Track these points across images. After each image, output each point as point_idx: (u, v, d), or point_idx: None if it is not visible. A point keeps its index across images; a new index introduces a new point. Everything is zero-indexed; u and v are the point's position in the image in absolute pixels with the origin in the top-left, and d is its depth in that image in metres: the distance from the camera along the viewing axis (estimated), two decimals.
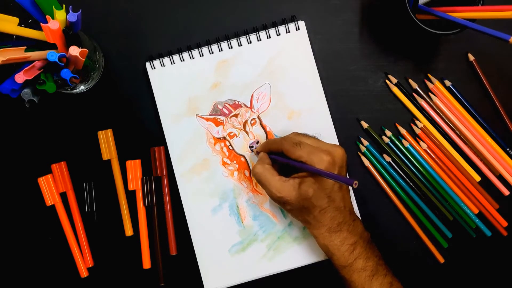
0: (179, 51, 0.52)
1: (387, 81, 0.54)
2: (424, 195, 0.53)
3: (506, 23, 0.43)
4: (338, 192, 0.44)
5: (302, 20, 0.52)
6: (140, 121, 0.53)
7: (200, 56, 0.52)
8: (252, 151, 0.53)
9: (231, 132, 0.53)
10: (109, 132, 0.52)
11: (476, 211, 0.53)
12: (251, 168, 0.53)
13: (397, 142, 0.53)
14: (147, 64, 0.52)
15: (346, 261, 0.44)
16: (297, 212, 0.45)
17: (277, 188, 0.44)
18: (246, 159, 0.53)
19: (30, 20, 0.44)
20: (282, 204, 0.46)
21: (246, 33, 0.52)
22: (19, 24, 0.41)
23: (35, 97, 0.42)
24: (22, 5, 0.40)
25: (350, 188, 0.49)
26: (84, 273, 0.53)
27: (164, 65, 0.52)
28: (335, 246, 0.44)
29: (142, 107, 0.53)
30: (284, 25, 0.52)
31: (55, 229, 0.53)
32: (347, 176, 0.50)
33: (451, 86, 0.53)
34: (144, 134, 0.53)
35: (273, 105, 0.53)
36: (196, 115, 0.53)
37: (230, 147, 0.53)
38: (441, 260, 0.53)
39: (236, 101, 0.53)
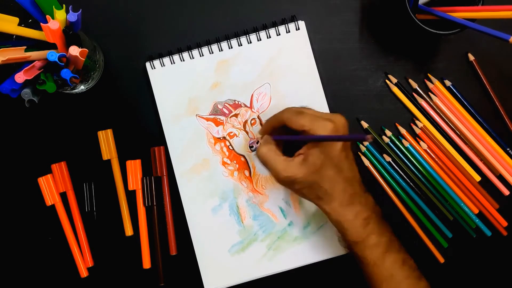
0: (179, 51, 0.52)
1: (387, 81, 0.54)
2: (424, 195, 0.53)
3: (506, 23, 0.43)
4: (345, 161, 0.42)
5: (302, 20, 0.52)
6: (140, 121, 0.53)
7: (200, 56, 0.52)
8: (252, 150, 0.53)
9: (231, 132, 0.53)
10: (109, 132, 0.52)
11: (476, 211, 0.53)
12: (250, 167, 0.53)
13: (397, 142, 0.53)
14: (147, 64, 0.52)
15: (359, 236, 0.43)
16: (307, 189, 0.43)
17: (284, 167, 0.43)
18: (246, 159, 0.53)
19: (30, 20, 0.44)
20: (290, 184, 0.44)
21: (246, 33, 0.52)
22: (19, 24, 0.41)
23: (35, 97, 0.42)
24: (22, 5, 0.40)
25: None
26: (84, 273, 0.53)
27: (164, 65, 0.52)
28: (348, 221, 0.43)
29: (142, 107, 0.53)
30: (284, 25, 0.52)
31: (55, 229, 0.53)
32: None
33: (451, 86, 0.53)
34: (144, 134, 0.53)
35: (273, 105, 0.53)
36: (196, 115, 0.53)
37: (230, 147, 0.53)
38: (441, 260, 0.53)
39: (236, 101, 0.53)
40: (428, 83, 0.54)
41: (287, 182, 0.44)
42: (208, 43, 0.53)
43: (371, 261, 0.43)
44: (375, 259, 0.43)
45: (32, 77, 0.41)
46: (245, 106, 0.53)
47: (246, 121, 0.53)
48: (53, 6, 0.40)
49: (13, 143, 0.53)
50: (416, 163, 0.53)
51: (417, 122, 0.53)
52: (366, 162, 0.53)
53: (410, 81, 0.53)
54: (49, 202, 0.52)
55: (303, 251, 0.52)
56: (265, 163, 0.45)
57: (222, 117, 0.53)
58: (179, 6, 0.53)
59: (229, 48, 0.52)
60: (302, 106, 0.48)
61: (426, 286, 0.44)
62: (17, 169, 0.53)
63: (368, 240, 0.43)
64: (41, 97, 0.43)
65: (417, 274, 0.44)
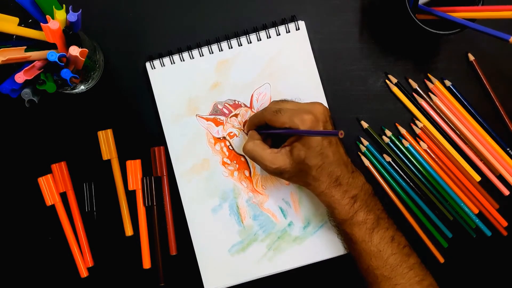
0: (179, 51, 0.52)
1: (387, 81, 0.54)
2: (424, 195, 0.53)
3: (506, 23, 0.43)
4: (328, 148, 0.44)
5: (302, 20, 0.52)
6: (140, 121, 0.53)
7: (200, 56, 0.52)
8: None
9: (231, 132, 0.53)
10: (109, 132, 0.52)
11: (476, 211, 0.53)
12: (250, 167, 0.53)
13: (397, 142, 0.53)
14: (147, 64, 0.52)
15: (346, 214, 0.45)
16: (296, 178, 0.46)
17: (270, 160, 0.45)
18: (246, 159, 0.53)
19: (30, 20, 0.44)
20: (279, 174, 0.46)
21: (246, 33, 0.52)
22: (19, 24, 0.41)
23: (35, 97, 0.42)
24: (22, 5, 0.40)
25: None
26: (84, 273, 0.53)
27: (164, 65, 0.52)
28: (336, 200, 0.45)
29: (142, 107, 0.53)
30: (284, 25, 0.52)
31: (55, 229, 0.53)
32: (335, 129, 0.49)
33: (451, 86, 0.53)
34: (144, 134, 0.53)
35: None
36: (196, 115, 0.53)
37: (230, 147, 0.53)
38: (441, 260, 0.53)
39: (236, 101, 0.53)
40: (428, 83, 0.54)
41: (276, 173, 0.46)
42: (208, 43, 0.53)
43: (359, 238, 0.45)
44: (363, 235, 0.44)
45: (32, 77, 0.41)
46: (245, 106, 0.53)
47: (246, 121, 0.53)
48: (53, 6, 0.40)
49: (13, 143, 0.53)
50: (416, 163, 0.53)
51: (417, 122, 0.53)
52: (366, 162, 0.53)
53: (410, 81, 0.53)
54: (49, 202, 0.52)
55: (303, 251, 0.52)
56: (252, 158, 0.47)
57: (222, 117, 0.53)
58: (179, 6, 0.53)
59: (229, 48, 0.52)
60: (282, 99, 0.49)
61: (416, 263, 0.45)
62: (17, 169, 0.53)
63: (355, 217, 0.44)
64: (41, 97, 0.43)
65: (406, 250, 0.45)
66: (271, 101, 0.49)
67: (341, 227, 0.46)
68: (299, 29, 0.52)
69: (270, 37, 0.52)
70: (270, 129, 0.47)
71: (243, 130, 0.53)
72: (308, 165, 0.44)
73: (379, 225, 0.45)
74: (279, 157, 0.45)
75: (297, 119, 0.43)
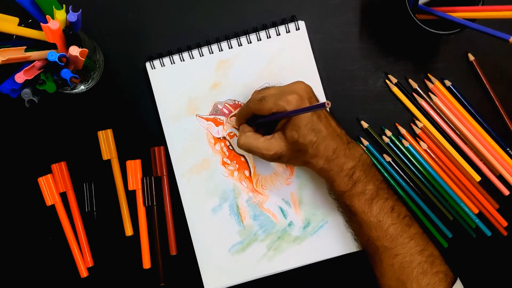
0: (179, 51, 0.52)
1: (387, 81, 0.54)
2: (424, 195, 0.53)
3: (506, 23, 0.43)
4: (319, 122, 0.44)
5: (302, 20, 0.52)
6: (140, 121, 0.53)
7: (200, 56, 0.52)
8: None
9: (231, 132, 0.53)
10: (109, 132, 0.52)
11: (476, 211, 0.53)
12: (250, 167, 0.53)
13: (397, 142, 0.53)
14: (147, 64, 0.52)
15: (345, 186, 0.45)
16: (295, 159, 0.46)
17: (266, 147, 0.45)
18: (246, 159, 0.53)
19: (30, 20, 0.44)
20: (278, 159, 0.46)
21: (246, 33, 0.52)
22: (19, 24, 0.41)
23: (35, 97, 0.42)
24: (22, 5, 0.40)
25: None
26: (84, 273, 0.53)
27: (164, 65, 0.52)
28: (334, 173, 0.45)
29: (142, 107, 0.53)
30: (284, 25, 0.52)
31: (55, 229, 0.53)
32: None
33: (451, 86, 0.53)
34: (144, 134, 0.53)
35: None
36: (196, 115, 0.53)
37: (230, 147, 0.53)
38: None
39: (236, 101, 0.53)
40: (428, 83, 0.54)
41: (274, 159, 0.46)
42: (208, 43, 0.53)
43: (358, 209, 0.45)
44: (362, 206, 0.45)
45: (32, 77, 0.41)
46: None
47: None
48: (53, 6, 0.40)
49: (13, 143, 0.53)
50: (416, 163, 0.53)
51: (417, 122, 0.53)
52: None
53: (410, 81, 0.53)
54: (49, 202, 0.52)
55: (303, 251, 0.52)
56: (248, 150, 0.47)
57: (222, 117, 0.53)
58: (179, 6, 0.53)
59: (229, 48, 0.52)
60: (264, 87, 0.49)
61: (417, 233, 0.45)
62: (17, 169, 0.53)
63: (354, 188, 0.45)
64: (41, 97, 0.43)
65: (407, 221, 0.45)
66: (254, 90, 0.49)
67: (341, 199, 0.46)
68: (299, 29, 0.52)
69: (270, 37, 0.52)
70: (259, 119, 0.47)
71: (235, 127, 0.53)
72: (303, 143, 0.44)
73: (378, 195, 0.45)
74: (273, 143, 0.45)
75: (282, 102, 0.43)
